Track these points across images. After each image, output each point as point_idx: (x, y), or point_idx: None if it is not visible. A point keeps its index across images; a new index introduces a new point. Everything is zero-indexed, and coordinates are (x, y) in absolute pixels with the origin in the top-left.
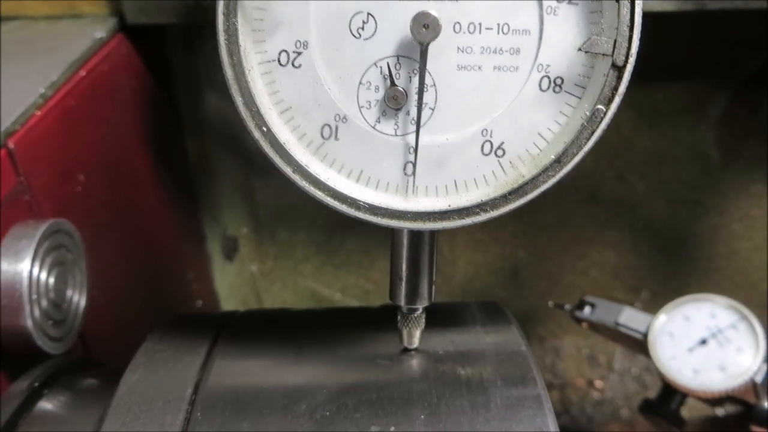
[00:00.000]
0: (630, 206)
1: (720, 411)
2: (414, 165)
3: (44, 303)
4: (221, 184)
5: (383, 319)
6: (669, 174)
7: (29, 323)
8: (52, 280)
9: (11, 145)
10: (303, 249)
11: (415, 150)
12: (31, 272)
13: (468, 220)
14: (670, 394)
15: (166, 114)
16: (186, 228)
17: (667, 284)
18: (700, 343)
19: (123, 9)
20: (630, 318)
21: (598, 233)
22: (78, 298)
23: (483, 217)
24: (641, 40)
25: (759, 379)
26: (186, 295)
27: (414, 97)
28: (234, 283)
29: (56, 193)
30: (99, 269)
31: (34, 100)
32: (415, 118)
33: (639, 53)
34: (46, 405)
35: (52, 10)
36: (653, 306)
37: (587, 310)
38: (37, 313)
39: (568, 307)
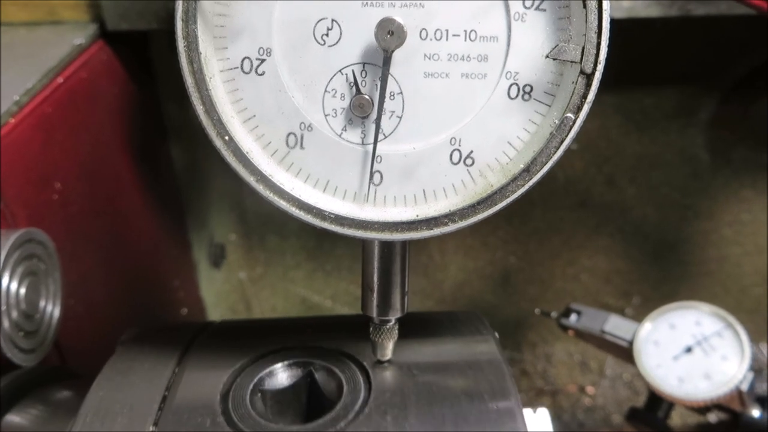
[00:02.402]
0: (620, 211)
1: (712, 417)
2: (377, 173)
3: (14, 314)
4: (209, 190)
5: (359, 329)
6: (659, 178)
7: None
8: (23, 291)
9: None
10: (293, 255)
11: (372, 159)
12: (0, 282)
13: (436, 231)
14: (657, 402)
15: (151, 120)
16: (171, 235)
17: (658, 289)
18: (685, 351)
19: (103, 15)
20: (615, 326)
21: (589, 238)
22: (51, 309)
23: (451, 227)
24: (611, 46)
25: (744, 387)
26: (171, 303)
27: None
28: (222, 291)
29: (31, 202)
30: (78, 278)
31: (8, 107)
32: (377, 126)
33: (617, 60)
34: (14, 417)
35: (31, 16)
36: (645, 311)
37: (573, 317)
38: (6, 324)
39: (554, 314)
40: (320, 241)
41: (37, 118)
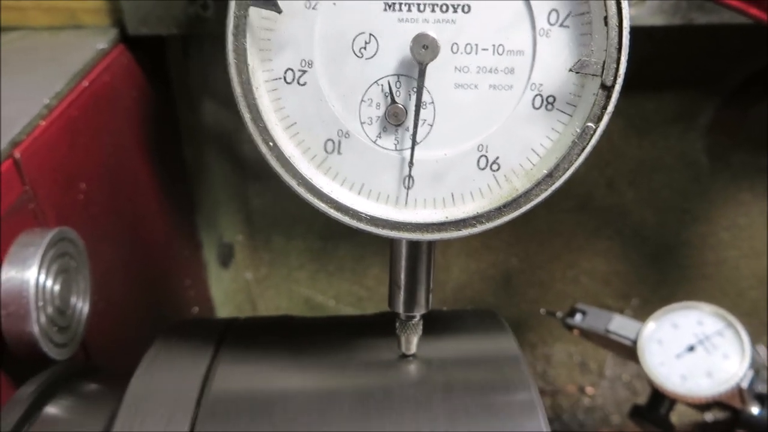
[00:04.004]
0: (620, 214)
1: (708, 416)
2: (412, 179)
3: (50, 310)
4: (218, 191)
5: (382, 326)
6: (659, 182)
7: (35, 329)
8: (57, 287)
9: (17, 154)
10: (297, 256)
11: (410, 164)
12: (37, 279)
13: (464, 232)
14: (659, 399)
15: (165, 123)
16: (183, 235)
17: (657, 291)
18: (687, 349)
19: (124, 20)
20: (620, 325)
21: (589, 241)
22: (81, 305)
23: (479, 228)
24: (629, 59)
25: (745, 384)
26: (182, 301)
27: (413, 114)
28: (229, 290)
29: (60, 202)
30: (99, 276)
31: (39, 110)
32: (414, 134)
33: (626, 73)
34: (52, 409)
35: (53, 21)
36: (643, 313)
37: (578, 317)
38: (43, 319)
39: (559, 314)
40: (324, 243)
41: (65, 121)
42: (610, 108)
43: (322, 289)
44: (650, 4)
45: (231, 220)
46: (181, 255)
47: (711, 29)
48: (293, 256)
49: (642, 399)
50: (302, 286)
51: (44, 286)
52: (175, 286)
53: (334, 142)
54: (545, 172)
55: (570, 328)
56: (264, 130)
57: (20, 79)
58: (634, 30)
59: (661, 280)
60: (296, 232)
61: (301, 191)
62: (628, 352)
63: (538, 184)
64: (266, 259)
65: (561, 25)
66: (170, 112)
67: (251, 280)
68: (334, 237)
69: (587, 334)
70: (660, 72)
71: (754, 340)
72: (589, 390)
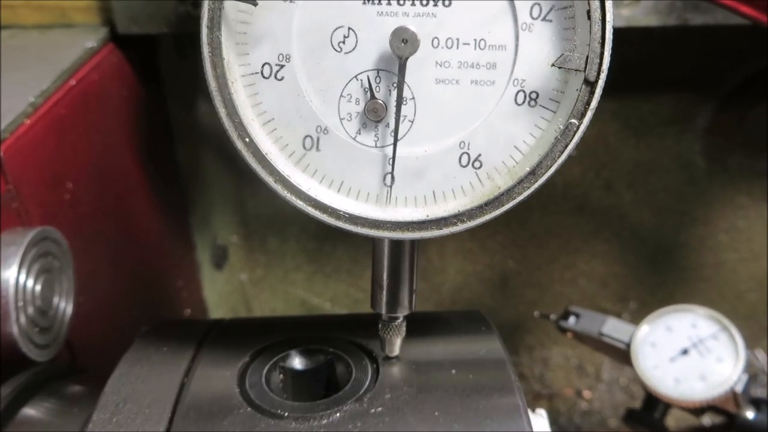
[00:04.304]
0: (617, 216)
1: (706, 420)
2: (390, 175)
3: (30, 310)
4: (212, 192)
5: (367, 327)
6: (656, 184)
7: (15, 330)
8: (38, 288)
9: (0, 152)
10: (293, 257)
11: (393, 162)
12: (17, 279)
13: (445, 231)
14: (653, 403)
15: (157, 122)
16: (176, 236)
17: (655, 293)
18: (681, 353)
19: (114, 19)
20: (613, 328)
21: (586, 243)
22: (64, 306)
23: (460, 227)
24: (613, 55)
25: (739, 388)
26: (175, 303)
27: (393, 110)
28: (223, 292)
29: (45, 201)
30: (87, 276)
31: (24, 108)
32: (396, 130)
33: (615, 67)
34: (30, 410)
35: (43, 20)
36: (642, 315)
37: (572, 320)
38: (23, 320)
39: (553, 316)
40: (320, 244)
41: (51, 119)
42: (594, 104)
43: (318, 291)
44: (645, 5)
45: (225, 221)
46: (173, 256)
47: (708, 30)
48: (289, 257)
49: (639, 403)
50: (298, 288)
51: (25, 286)
52: (167, 287)
53: (312, 139)
54: (528, 169)
55: (564, 330)
56: (240, 126)
57: (8, 78)
58: (629, 31)
59: (660, 282)
60: (292, 234)
61: (278, 188)
62: (622, 355)
63: (521, 182)
64: (262, 260)
65: (544, 20)
66: (162, 112)
67: (246, 282)
68: (330, 238)
69: (581, 337)
70: (656, 73)
71: (753, 344)
72: (586, 393)
